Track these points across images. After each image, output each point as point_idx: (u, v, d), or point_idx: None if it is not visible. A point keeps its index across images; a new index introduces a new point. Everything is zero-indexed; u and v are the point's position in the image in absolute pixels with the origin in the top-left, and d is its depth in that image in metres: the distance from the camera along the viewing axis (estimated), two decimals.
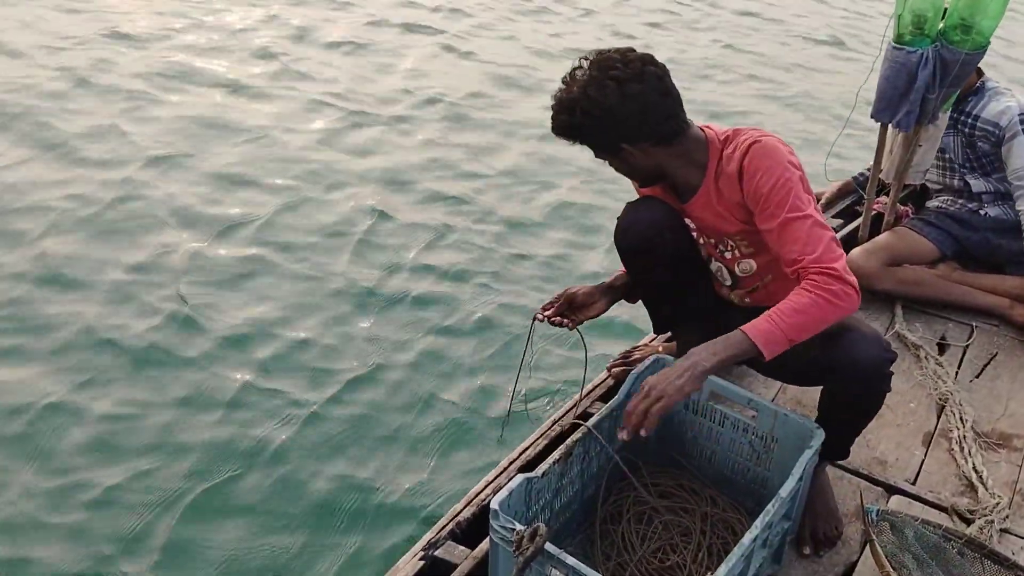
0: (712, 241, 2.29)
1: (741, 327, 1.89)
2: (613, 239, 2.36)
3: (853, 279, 1.90)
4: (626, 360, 2.73)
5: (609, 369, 2.74)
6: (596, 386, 2.69)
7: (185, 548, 2.82)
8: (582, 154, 2.43)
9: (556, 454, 2.05)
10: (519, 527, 1.81)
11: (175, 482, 3.04)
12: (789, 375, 2.39)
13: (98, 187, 4.81)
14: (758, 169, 1.99)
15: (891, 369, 2.05)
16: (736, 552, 1.83)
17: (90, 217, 4.52)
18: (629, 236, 2.30)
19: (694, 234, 2.33)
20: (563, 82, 2.02)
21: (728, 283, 2.34)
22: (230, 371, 3.59)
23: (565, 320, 2.30)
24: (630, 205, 2.32)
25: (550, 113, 2.05)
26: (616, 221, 2.33)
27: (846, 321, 2.00)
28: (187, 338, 3.72)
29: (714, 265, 2.35)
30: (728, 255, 2.27)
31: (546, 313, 2.30)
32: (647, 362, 2.30)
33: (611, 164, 2.15)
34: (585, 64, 2.00)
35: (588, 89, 1.96)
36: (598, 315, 2.37)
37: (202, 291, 4.06)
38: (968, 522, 2.39)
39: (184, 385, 3.48)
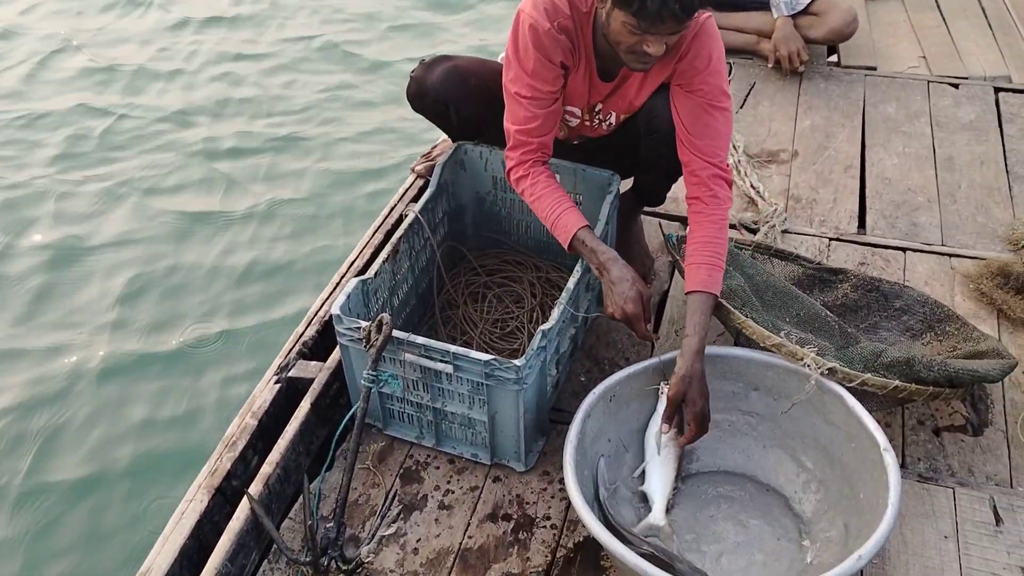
0: (600, 115, 2.18)
1: (698, 288, 1.92)
2: (408, 93, 2.31)
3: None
4: (428, 157, 2.78)
5: (413, 169, 2.79)
6: (407, 188, 2.75)
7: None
8: None
9: (384, 253, 2.11)
10: (363, 324, 1.89)
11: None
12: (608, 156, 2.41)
13: None
14: (700, 49, 1.93)
15: None
16: (563, 297, 2.00)
17: None
18: (434, 76, 2.23)
19: (568, 117, 2.20)
20: None
21: (570, 127, 2.26)
22: None
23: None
24: (424, 62, 2.28)
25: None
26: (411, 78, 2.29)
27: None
28: None
29: (572, 122, 2.24)
30: (607, 124, 2.21)
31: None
32: (449, 151, 2.37)
33: (676, 37, 1.82)
34: None
35: None
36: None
37: None
38: (754, 232, 2.71)
39: None
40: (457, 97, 2.24)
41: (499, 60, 2.15)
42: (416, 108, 2.35)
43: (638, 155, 2.23)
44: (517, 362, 1.82)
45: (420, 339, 1.88)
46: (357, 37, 5.29)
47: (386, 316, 1.87)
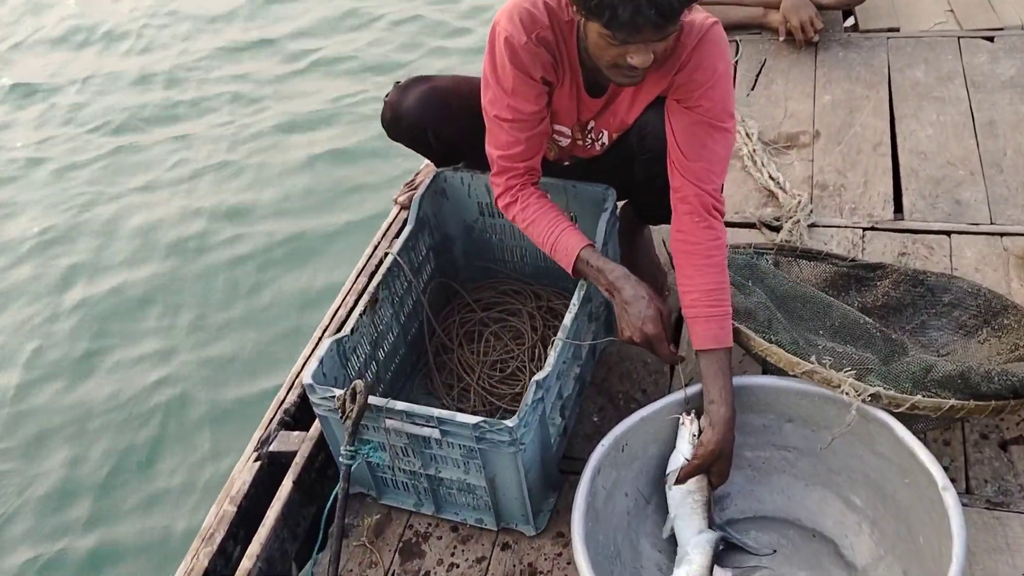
0: (592, 135, 1.97)
1: (712, 346, 1.70)
2: (384, 119, 2.10)
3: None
4: (411, 186, 2.57)
5: (396, 201, 2.59)
6: (390, 223, 2.54)
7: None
8: None
9: (360, 305, 1.91)
10: (337, 392, 1.69)
11: None
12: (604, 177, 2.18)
13: None
14: (702, 60, 1.68)
15: None
16: (560, 336, 1.78)
17: None
18: (409, 99, 2.03)
19: (557, 137, 1.98)
20: None
21: (560, 148, 2.03)
22: None
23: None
24: (398, 85, 2.08)
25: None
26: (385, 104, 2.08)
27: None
28: None
29: (562, 142, 2.02)
30: (599, 144, 1.99)
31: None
32: (427, 182, 2.16)
33: (663, 45, 1.54)
34: None
35: None
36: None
37: None
38: (777, 229, 2.44)
39: None
40: (436, 120, 2.03)
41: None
42: (392, 136, 2.13)
43: (634, 175, 1.99)
44: (509, 423, 1.60)
45: (400, 404, 1.67)
46: None
47: (359, 383, 1.66)
